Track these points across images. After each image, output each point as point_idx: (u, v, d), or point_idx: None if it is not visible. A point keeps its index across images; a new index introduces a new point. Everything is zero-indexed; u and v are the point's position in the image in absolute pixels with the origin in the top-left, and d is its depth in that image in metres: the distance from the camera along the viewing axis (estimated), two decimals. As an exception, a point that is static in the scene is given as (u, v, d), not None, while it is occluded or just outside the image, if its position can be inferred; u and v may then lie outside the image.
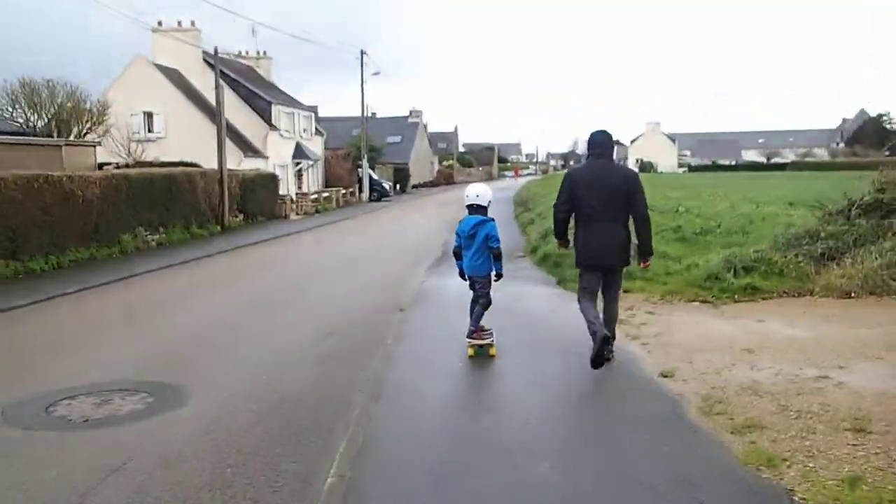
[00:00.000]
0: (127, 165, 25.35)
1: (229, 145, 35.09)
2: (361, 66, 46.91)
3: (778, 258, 11.37)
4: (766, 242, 12.67)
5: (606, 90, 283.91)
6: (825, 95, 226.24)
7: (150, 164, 25.28)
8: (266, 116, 39.34)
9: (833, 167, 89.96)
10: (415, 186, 65.98)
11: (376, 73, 48.45)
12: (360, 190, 48.16)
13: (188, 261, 17.64)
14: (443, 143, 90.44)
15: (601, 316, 7.39)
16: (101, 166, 24.08)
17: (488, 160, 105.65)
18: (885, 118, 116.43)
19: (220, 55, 35.28)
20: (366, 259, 17.67)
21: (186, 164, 27.47)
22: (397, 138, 67.92)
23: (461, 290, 12.12)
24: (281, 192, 37.77)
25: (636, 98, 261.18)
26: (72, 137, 25.77)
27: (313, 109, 49.41)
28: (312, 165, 44.56)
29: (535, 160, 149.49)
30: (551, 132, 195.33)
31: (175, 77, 36.99)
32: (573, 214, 7.41)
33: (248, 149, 37.10)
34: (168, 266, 16.61)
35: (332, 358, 8.06)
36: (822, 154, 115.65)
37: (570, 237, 7.81)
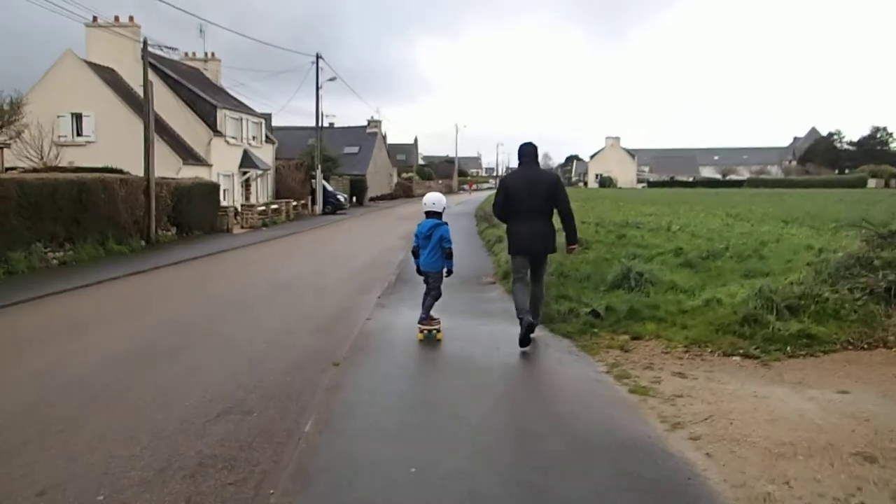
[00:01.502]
0: (35, 170, 21.85)
1: (166, 151, 31.82)
2: (317, 70, 43.82)
3: (828, 294, 8.60)
4: (798, 272, 9.94)
5: (566, 104, 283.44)
6: (777, 114, 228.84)
7: (63, 170, 21.79)
8: (210, 121, 35.89)
9: (788, 184, 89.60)
10: (372, 199, 62.82)
11: (332, 79, 45.36)
12: (314, 202, 44.89)
13: (87, 285, 14.31)
14: (402, 155, 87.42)
15: (528, 298, 8.45)
16: (7, 171, 20.57)
17: (448, 173, 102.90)
18: (835, 137, 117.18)
19: (161, 54, 32.00)
20: (304, 284, 14.56)
21: (111, 170, 24.07)
22: (355, 149, 64.77)
23: (415, 332, 9.24)
24: (224, 204, 34.46)
25: (596, 112, 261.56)
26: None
27: (265, 116, 46.06)
28: (262, 175, 41.16)
29: (494, 174, 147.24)
30: (511, 145, 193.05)
31: (109, 77, 33.43)
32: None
33: (188, 155, 33.63)
34: (52, 294, 13.23)
35: (212, 467, 4.97)
36: (775, 171, 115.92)
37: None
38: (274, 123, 58.34)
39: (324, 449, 5.27)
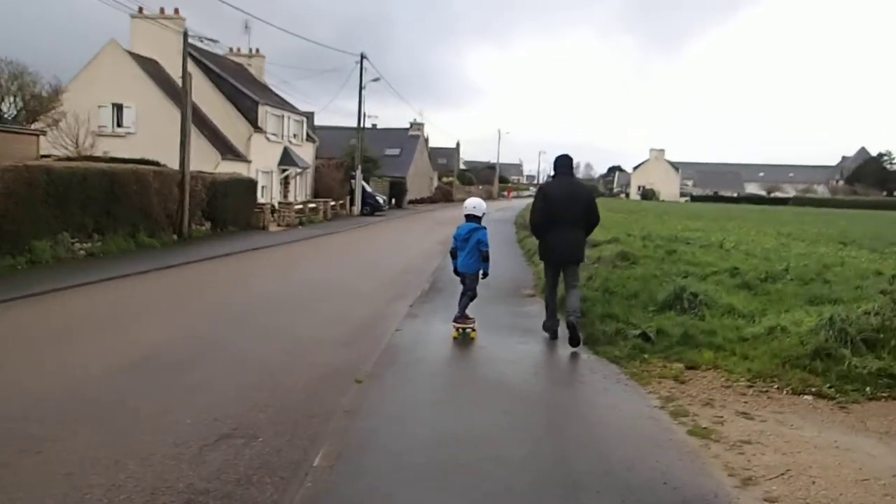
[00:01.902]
0: (68, 159, 21.56)
1: (205, 145, 31.54)
2: (361, 70, 43.32)
3: (912, 327, 7.65)
4: (871, 300, 8.96)
5: (611, 114, 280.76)
6: (826, 132, 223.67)
7: (96, 159, 21.47)
8: (251, 117, 35.58)
9: (835, 204, 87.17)
10: (411, 202, 62.25)
11: (376, 80, 44.83)
12: (352, 203, 44.38)
13: (109, 279, 13.81)
14: (443, 159, 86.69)
15: (566, 302, 8.71)
16: (41, 159, 20.28)
17: (489, 179, 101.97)
18: (885, 158, 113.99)
19: (202, 46, 31.77)
20: (334, 289, 13.90)
21: (147, 161, 23.71)
22: (396, 151, 64.22)
23: (448, 346, 8.49)
24: (261, 200, 34.11)
25: (640, 124, 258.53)
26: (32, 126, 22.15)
27: (307, 115, 45.75)
28: (301, 173, 40.81)
29: (535, 181, 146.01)
30: (553, 153, 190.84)
31: (152, 68, 33.27)
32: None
33: (227, 150, 33.32)
34: (70, 287, 12.69)
35: None
36: (822, 191, 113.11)
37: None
38: (316, 122, 58.09)
39: (333, 489, 4.53)
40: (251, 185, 29.24)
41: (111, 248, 17.64)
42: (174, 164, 24.57)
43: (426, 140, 72.52)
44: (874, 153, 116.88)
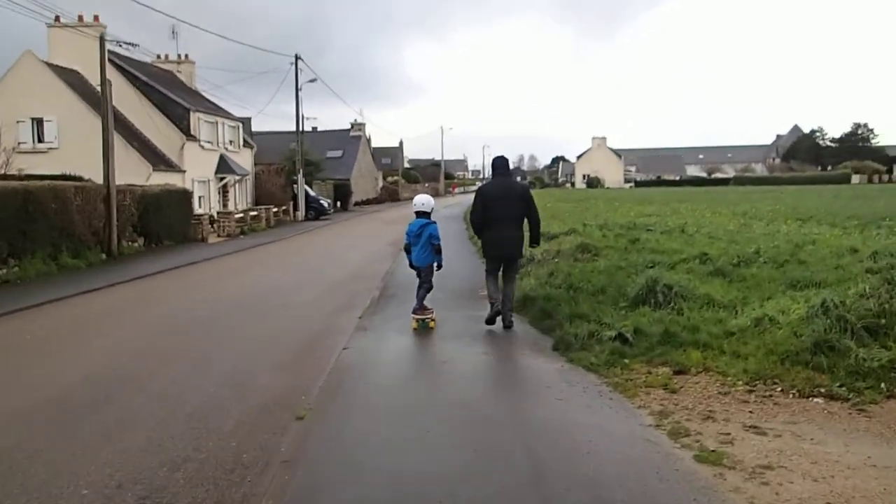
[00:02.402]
0: (-20, 178, 19.85)
1: (135, 157, 29.92)
2: (296, 71, 41.92)
3: (914, 311, 6.90)
4: (858, 280, 8.23)
5: (552, 105, 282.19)
6: (760, 112, 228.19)
7: (10, 178, 19.81)
8: (183, 125, 33.88)
9: (773, 182, 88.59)
10: (357, 203, 60.91)
11: (312, 80, 43.49)
12: (296, 208, 42.93)
13: (19, 309, 12.33)
14: (387, 159, 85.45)
15: (503, 295, 9.29)
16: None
17: (434, 176, 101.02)
18: (817, 134, 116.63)
19: (121, 51, 30.09)
20: (277, 301, 12.71)
21: (70, 177, 22.10)
22: (338, 153, 62.79)
23: (404, 362, 7.47)
24: (199, 211, 32.52)
25: (582, 113, 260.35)
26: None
27: (243, 120, 44.14)
28: (240, 181, 39.18)
29: (480, 176, 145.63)
30: (497, 147, 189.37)
31: (73, 79, 31.38)
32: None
33: (159, 161, 31.63)
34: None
35: None
36: (760, 169, 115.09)
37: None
38: (255, 128, 56.36)
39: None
40: (185, 196, 27.69)
41: (29, 273, 16.10)
42: (101, 179, 23.05)
43: (368, 140, 71.21)
44: (807, 130, 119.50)
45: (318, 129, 65.92)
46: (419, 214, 9.69)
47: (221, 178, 37.04)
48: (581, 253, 12.17)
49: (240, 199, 39.73)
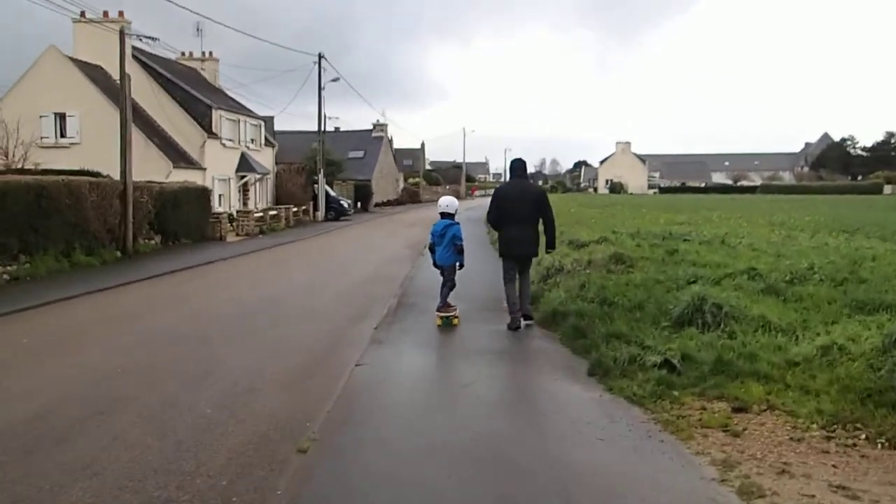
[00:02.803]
0: (-5, 172, 19.34)
1: (155, 154, 29.42)
2: (319, 70, 41.29)
3: None
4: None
5: (575, 109, 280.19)
6: (788, 119, 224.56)
7: (26, 172, 19.28)
8: (205, 122, 33.36)
9: (802, 190, 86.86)
10: (378, 205, 60.29)
11: (335, 80, 42.78)
12: (316, 208, 42.30)
13: (22, 309, 11.72)
14: (408, 160, 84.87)
15: (520, 294, 9.57)
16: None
17: (455, 178, 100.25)
18: (848, 143, 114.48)
19: (146, 48, 29.66)
20: (288, 307, 11.96)
21: (87, 172, 21.61)
22: (360, 153, 62.23)
23: (424, 382, 6.69)
24: (218, 209, 31.97)
25: (605, 118, 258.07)
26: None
27: (265, 119, 43.63)
28: (260, 180, 38.65)
29: (501, 178, 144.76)
30: (519, 150, 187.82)
31: (97, 75, 30.96)
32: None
33: (180, 158, 31.12)
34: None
35: None
36: (788, 177, 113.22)
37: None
38: (277, 127, 55.94)
39: None
40: (204, 193, 27.07)
41: (40, 271, 15.50)
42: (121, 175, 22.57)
43: (390, 141, 70.58)
44: (837, 139, 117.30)
45: (341, 129, 65.48)
46: (443, 215, 10.00)
47: (242, 177, 36.49)
48: (615, 264, 11.29)
49: (260, 197, 39.19)
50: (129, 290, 14.48)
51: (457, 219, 10.14)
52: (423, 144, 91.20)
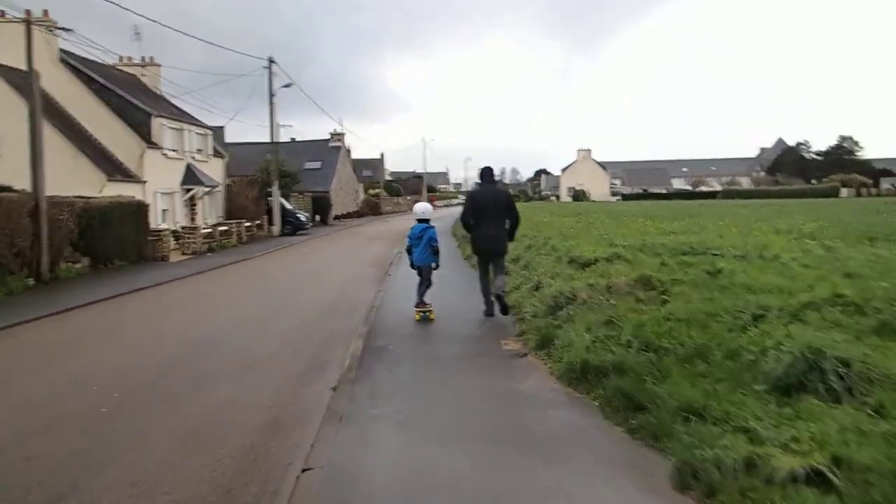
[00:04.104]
0: None
1: (86, 166, 26.18)
2: (269, 75, 38.20)
3: None
4: None
5: (533, 118, 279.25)
6: (742, 124, 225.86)
7: None
8: (144, 131, 30.06)
9: (762, 195, 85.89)
10: (337, 217, 57.19)
11: (287, 85, 39.62)
12: (271, 222, 39.18)
13: None
14: (368, 171, 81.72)
15: (493, 282, 10.29)
16: None
17: (416, 189, 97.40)
18: (803, 147, 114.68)
19: (93, 59, 26.48)
20: (218, 358, 9.09)
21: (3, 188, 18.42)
22: (317, 164, 59.07)
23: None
24: (163, 226, 28.77)
25: (563, 126, 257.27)
26: None
27: (215, 129, 40.43)
28: (209, 193, 35.36)
29: (461, 188, 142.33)
30: (479, 160, 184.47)
31: (17, 80, 27.53)
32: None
33: (115, 171, 27.80)
34: None
35: None
36: (746, 182, 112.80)
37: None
38: (228, 139, 52.73)
39: None
40: (141, 208, 23.91)
41: (-85, 308, 12.41)
42: (54, 191, 19.48)
43: (349, 151, 67.55)
44: (791, 143, 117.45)
45: (297, 140, 62.36)
46: (419, 220, 10.78)
47: (188, 190, 33.21)
48: (643, 289, 8.66)
49: (209, 212, 35.94)
50: (20, 332, 11.45)
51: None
52: (382, 155, 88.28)
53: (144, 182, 29.10)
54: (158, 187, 30.36)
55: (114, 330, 11.62)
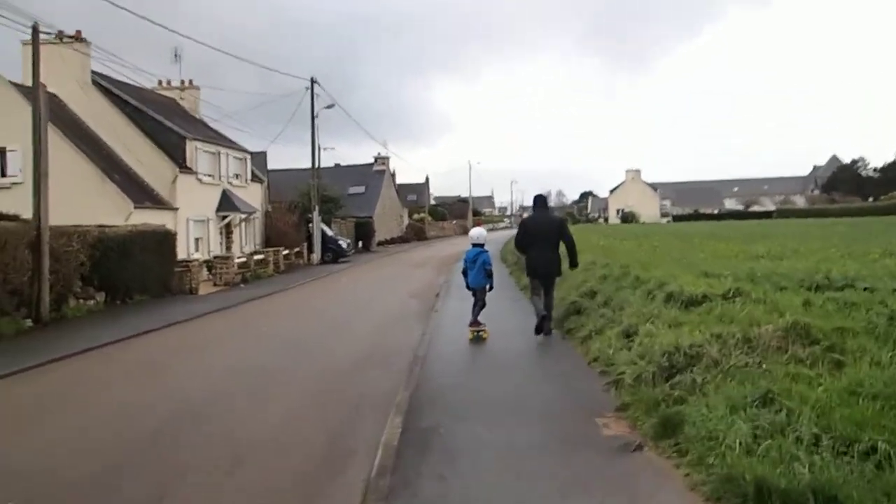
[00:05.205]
0: None
1: (113, 193, 24.36)
2: (312, 96, 36.28)
3: None
4: None
5: (580, 139, 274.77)
6: (793, 142, 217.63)
7: None
8: (177, 155, 28.20)
9: (819, 213, 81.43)
10: (381, 243, 54.95)
11: (330, 106, 37.65)
12: (310, 250, 37.08)
13: None
14: (412, 195, 79.59)
15: (543, 302, 10.54)
16: None
17: (462, 213, 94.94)
18: (859, 164, 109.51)
19: (127, 80, 24.75)
20: (200, 443, 6.61)
21: (6, 217, 16.42)
22: (360, 188, 57.08)
23: None
24: (195, 255, 26.76)
25: (610, 146, 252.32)
26: None
27: (256, 154, 38.61)
28: (246, 220, 33.35)
29: (507, 212, 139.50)
30: (525, 182, 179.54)
31: (48, 103, 25.92)
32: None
33: (145, 197, 25.88)
34: None
35: None
36: (800, 201, 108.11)
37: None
38: (271, 165, 50.90)
39: None
40: (167, 237, 21.78)
41: None
42: (76, 219, 17.61)
43: (393, 175, 65.48)
44: (845, 160, 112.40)
45: (341, 165, 60.58)
46: (474, 245, 11.23)
47: (224, 217, 31.22)
48: (801, 344, 5.94)
49: (247, 240, 33.92)
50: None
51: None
52: (427, 178, 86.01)
53: (176, 209, 27.12)
54: (191, 214, 28.39)
55: (78, 397, 9.13)
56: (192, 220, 28.38)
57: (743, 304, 7.60)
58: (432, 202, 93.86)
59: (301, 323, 15.48)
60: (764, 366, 5.62)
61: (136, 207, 24.44)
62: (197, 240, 28.93)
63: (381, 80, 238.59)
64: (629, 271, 12.15)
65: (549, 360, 8.89)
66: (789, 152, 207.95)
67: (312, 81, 36.48)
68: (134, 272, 19.31)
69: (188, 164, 28.63)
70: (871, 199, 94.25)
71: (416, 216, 75.70)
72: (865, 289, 8.13)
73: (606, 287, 11.52)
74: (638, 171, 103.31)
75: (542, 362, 8.94)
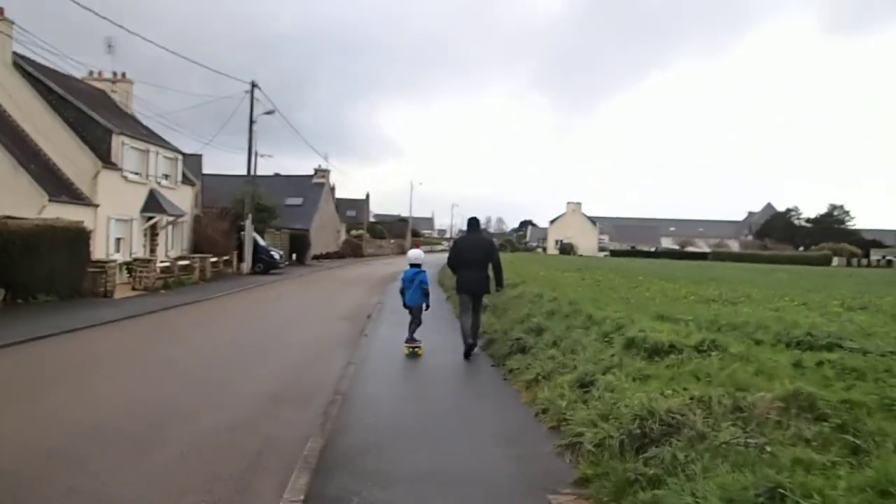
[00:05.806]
0: None
1: (25, 184, 22.42)
2: (251, 100, 34.82)
3: None
4: None
5: (521, 169, 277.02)
6: (729, 188, 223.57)
7: None
8: (102, 150, 26.35)
9: (752, 259, 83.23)
10: (316, 257, 53.29)
11: (270, 112, 36.18)
12: (241, 259, 35.40)
13: None
14: (352, 211, 78.05)
15: (470, 327, 11.00)
16: None
17: (401, 232, 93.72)
18: (792, 213, 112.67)
19: (52, 66, 22.92)
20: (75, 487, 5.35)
21: None
22: (298, 200, 55.37)
23: None
24: (114, 256, 24.95)
25: (550, 179, 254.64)
26: None
27: (192, 157, 36.90)
28: (174, 223, 31.51)
29: (447, 235, 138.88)
30: (465, 206, 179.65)
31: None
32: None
33: (62, 191, 23.99)
34: None
35: None
36: (734, 245, 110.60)
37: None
38: (206, 170, 48.81)
39: None
40: (80, 235, 20.06)
41: None
42: None
43: (333, 189, 63.89)
44: (780, 209, 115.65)
45: (281, 174, 58.88)
46: (412, 265, 11.94)
47: (149, 218, 29.36)
48: (805, 419, 4.98)
49: (173, 244, 32.05)
50: None
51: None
52: (367, 195, 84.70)
53: (97, 206, 25.26)
54: (114, 212, 26.53)
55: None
56: (113, 218, 26.53)
57: (721, 360, 6.70)
58: (372, 219, 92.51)
59: (220, 337, 14.09)
60: (766, 446, 4.66)
61: (50, 201, 22.57)
62: (118, 240, 27.07)
63: (330, 98, 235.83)
64: (580, 308, 11.26)
65: (489, 405, 7.83)
66: (725, 197, 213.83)
67: (253, 85, 35.10)
68: (39, 270, 17.62)
69: (113, 159, 26.82)
70: (801, 249, 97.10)
71: (354, 232, 74.24)
72: (854, 349, 7.33)
73: (555, 325, 10.56)
74: (579, 204, 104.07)
75: (481, 406, 7.87)
